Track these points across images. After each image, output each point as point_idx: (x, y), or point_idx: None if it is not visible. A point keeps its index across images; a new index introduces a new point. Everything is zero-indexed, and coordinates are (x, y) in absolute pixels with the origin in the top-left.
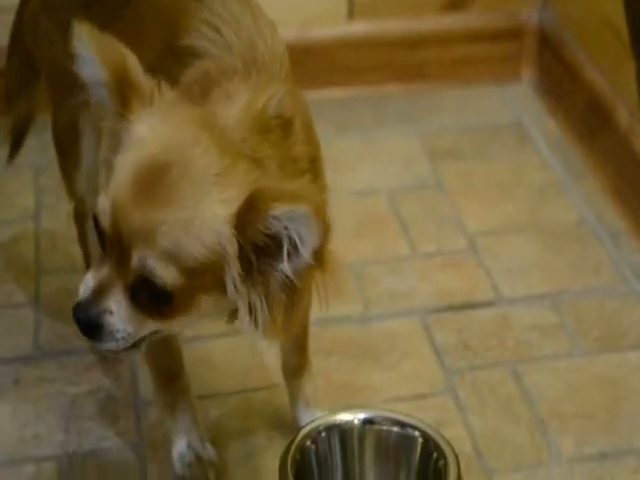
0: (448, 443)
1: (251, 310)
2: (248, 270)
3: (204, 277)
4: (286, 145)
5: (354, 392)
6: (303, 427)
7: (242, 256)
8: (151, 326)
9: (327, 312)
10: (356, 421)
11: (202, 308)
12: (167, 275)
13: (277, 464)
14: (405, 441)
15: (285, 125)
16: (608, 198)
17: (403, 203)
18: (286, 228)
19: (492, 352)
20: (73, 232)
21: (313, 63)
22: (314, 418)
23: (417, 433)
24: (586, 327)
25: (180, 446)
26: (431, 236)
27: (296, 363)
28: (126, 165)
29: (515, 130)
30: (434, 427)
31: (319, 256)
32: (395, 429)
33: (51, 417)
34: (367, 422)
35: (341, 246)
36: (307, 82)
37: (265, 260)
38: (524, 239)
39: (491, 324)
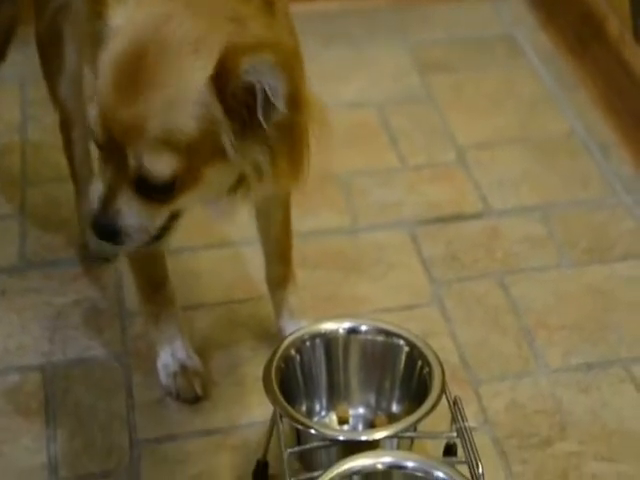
0: (433, 352)
1: (256, 168)
2: (242, 128)
3: (202, 149)
4: (268, 14)
5: (341, 303)
6: (287, 336)
7: (232, 116)
8: (164, 212)
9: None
10: (341, 330)
11: (207, 181)
12: (164, 163)
13: (262, 373)
14: (390, 349)
15: (266, 3)
16: (598, 110)
17: (393, 115)
18: (258, 81)
19: (480, 264)
20: (59, 143)
21: None
22: (299, 328)
23: (402, 342)
24: (574, 239)
25: (164, 356)
26: (420, 148)
27: (280, 273)
28: (105, 64)
29: (506, 42)
30: (419, 336)
31: (296, 103)
32: (380, 338)
33: (36, 327)
34: (352, 331)
35: (330, 157)
36: None
37: (254, 114)
38: (514, 151)
39: (479, 236)
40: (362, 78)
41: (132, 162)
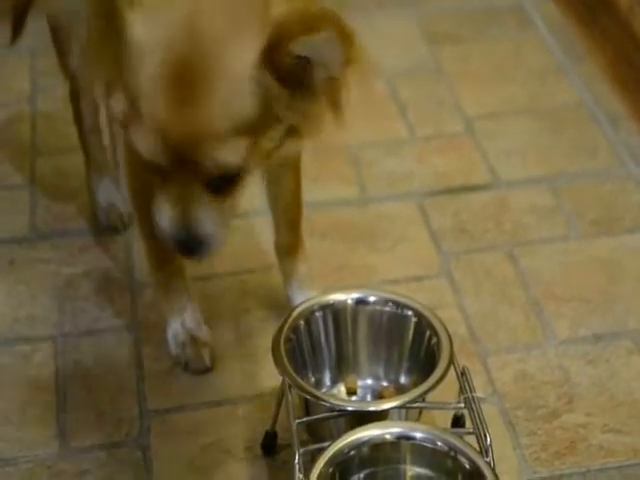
0: (441, 323)
1: (306, 119)
2: (296, 92)
3: (262, 122)
4: None
5: (349, 274)
6: (296, 307)
7: (286, 84)
8: (235, 203)
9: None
10: (349, 301)
11: (266, 150)
12: (236, 150)
13: (271, 344)
14: (398, 320)
15: None
16: (607, 81)
17: (402, 86)
18: (312, 54)
19: (488, 235)
20: (69, 114)
21: None
22: (308, 298)
23: (410, 312)
24: (583, 210)
25: (174, 326)
26: (429, 119)
27: (289, 242)
28: (150, 86)
29: (515, 13)
30: (428, 307)
31: (348, 65)
32: (388, 308)
33: (46, 298)
34: (360, 302)
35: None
36: None
37: (309, 79)
38: (522, 122)
39: (488, 207)
40: (371, 48)
41: (207, 164)
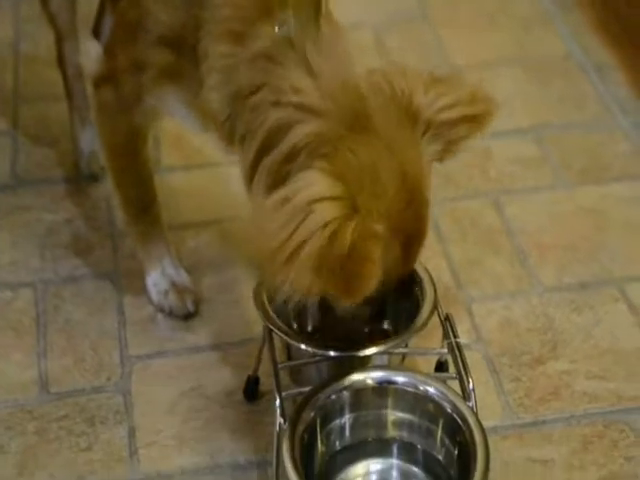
0: (426, 271)
1: None
2: None
3: None
4: None
5: None
6: None
7: None
8: None
9: None
10: None
11: None
12: None
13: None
14: None
15: None
16: (595, 32)
17: (388, 35)
18: None
19: (474, 183)
20: (53, 61)
21: None
22: None
23: None
24: (569, 160)
25: (154, 275)
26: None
27: None
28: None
29: None
30: None
31: None
32: None
33: (27, 244)
34: None
35: None
36: None
37: None
38: (509, 72)
39: (474, 156)
40: None
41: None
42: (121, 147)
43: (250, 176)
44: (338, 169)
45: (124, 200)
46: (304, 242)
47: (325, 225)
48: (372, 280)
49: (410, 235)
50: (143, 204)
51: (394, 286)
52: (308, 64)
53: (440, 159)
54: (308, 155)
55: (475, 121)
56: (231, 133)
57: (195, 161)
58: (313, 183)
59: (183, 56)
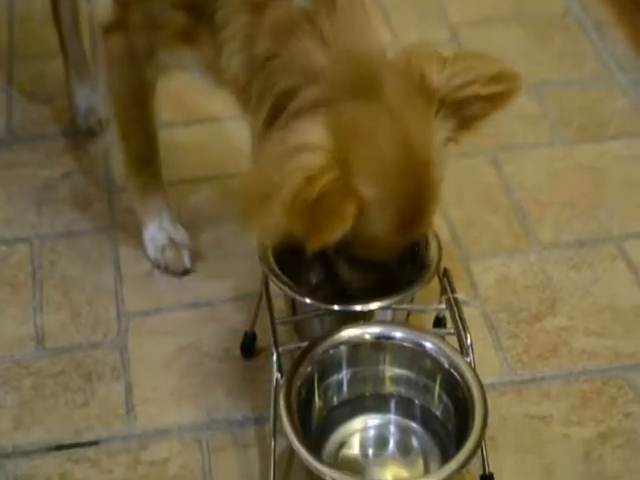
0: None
1: None
2: None
3: None
4: None
5: None
6: None
7: None
8: None
9: None
10: None
11: None
12: None
13: (252, 249)
14: None
15: None
16: None
17: None
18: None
19: (472, 140)
20: (49, 17)
21: None
22: None
23: None
24: (568, 117)
25: (152, 229)
26: (413, 26)
27: None
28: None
29: None
30: None
31: None
32: None
33: (24, 200)
34: None
35: None
36: None
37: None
38: (507, 29)
39: None
40: None
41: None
42: (129, 97)
43: (260, 140)
44: (333, 125)
45: (126, 151)
46: (280, 183)
47: (304, 170)
48: (334, 232)
49: (411, 205)
50: (145, 156)
51: (398, 252)
52: (321, 34)
53: (455, 138)
54: (309, 113)
55: (492, 100)
56: (248, 98)
57: (195, 117)
58: (305, 131)
59: (200, 22)
